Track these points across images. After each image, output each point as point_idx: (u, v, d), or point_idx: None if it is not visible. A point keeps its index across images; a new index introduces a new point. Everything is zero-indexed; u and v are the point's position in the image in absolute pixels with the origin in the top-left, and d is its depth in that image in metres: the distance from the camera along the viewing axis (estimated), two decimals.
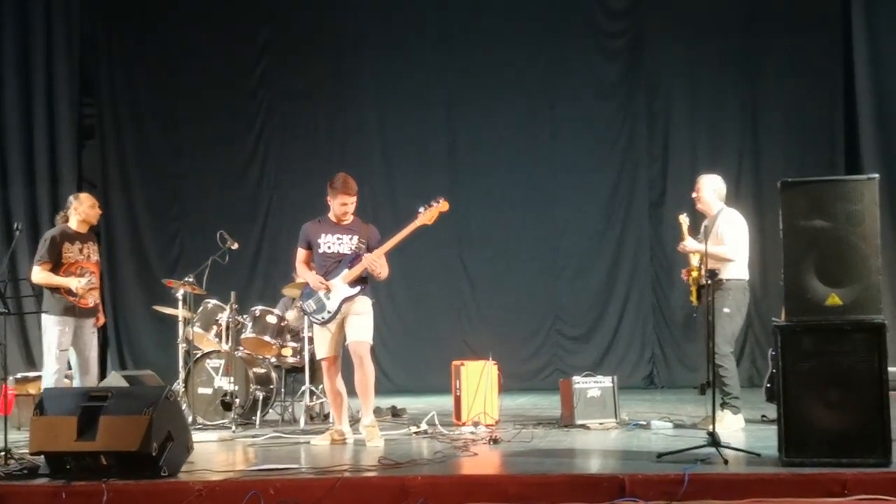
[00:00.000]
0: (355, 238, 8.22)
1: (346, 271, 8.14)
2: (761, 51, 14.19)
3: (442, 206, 8.32)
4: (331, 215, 8.33)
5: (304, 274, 8.40)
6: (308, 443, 8.27)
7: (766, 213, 13.35)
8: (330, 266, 8.20)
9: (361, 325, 8.16)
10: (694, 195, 8.76)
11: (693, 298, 8.71)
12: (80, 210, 8.97)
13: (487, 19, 14.71)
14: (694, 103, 14.40)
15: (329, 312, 8.15)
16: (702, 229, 8.54)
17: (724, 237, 8.40)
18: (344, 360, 8.35)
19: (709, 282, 7.49)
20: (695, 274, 8.57)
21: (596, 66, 14.64)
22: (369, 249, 8.21)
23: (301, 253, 8.44)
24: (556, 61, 14.62)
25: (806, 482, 5.82)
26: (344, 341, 8.23)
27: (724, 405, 8.24)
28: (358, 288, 8.18)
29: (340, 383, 8.34)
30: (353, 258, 8.17)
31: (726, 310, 8.27)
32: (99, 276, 9.17)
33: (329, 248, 8.24)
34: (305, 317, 9.04)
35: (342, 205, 8.20)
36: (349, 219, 8.30)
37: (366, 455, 7.40)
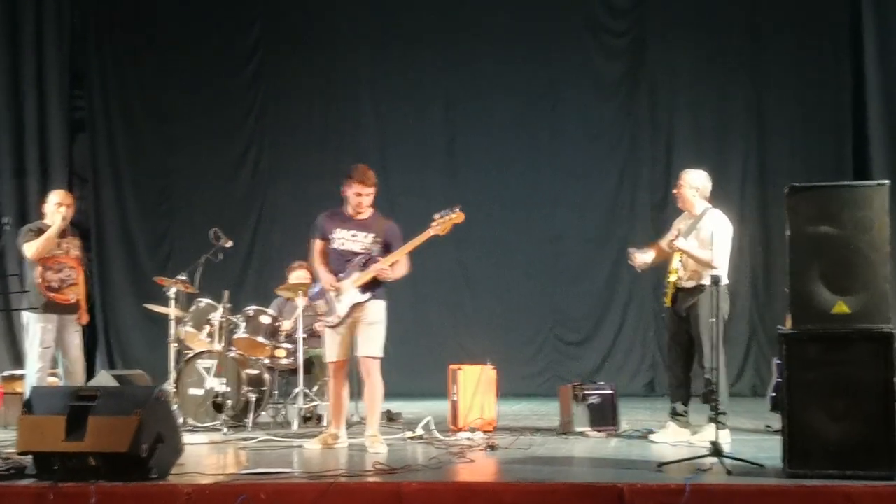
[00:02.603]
0: (370, 236, 8.00)
1: (356, 274, 7.92)
2: (767, 51, 14.13)
3: (457, 217, 8.02)
4: (347, 208, 8.13)
5: (318, 269, 8.15)
6: (301, 447, 8.13)
7: (772, 219, 13.34)
8: (342, 264, 8.00)
9: (371, 337, 7.94)
10: (674, 190, 8.55)
11: (667, 300, 8.40)
12: (46, 206, 9.05)
13: (488, 16, 14.63)
14: (698, 104, 14.33)
15: (338, 317, 7.96)
16: (674, 225, 8.39)
17: (709, 240, 8.17)
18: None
19: (713, 287, 7.27)
20: (673, 277, 8.29)
21: (598, 65, 14.56)
22: (387, 247, 7.98)
23: (317, 244, 8.16)
24: (558, 60, 14.55)
25: (810, 494, 5.74)
26: (354, 348, 8.05)
27: (711, 419, 8.07)
28: (368, 294, 7.94)
29: (346, 388, 8.18)
30: (367, 260, 7.95)
31: (711, 319, 8.06)
32: (81, 272, 9.12)
33: (342, 244, 8.02)
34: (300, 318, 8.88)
35: (357, 195, 7.98)
36: (366, 212, 8.10)
37: (360, 460, 7.29)
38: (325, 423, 9.47)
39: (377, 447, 7.78)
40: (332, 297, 7.97)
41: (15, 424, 7.13)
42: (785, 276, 6.42)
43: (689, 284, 8.23)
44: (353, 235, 8.02)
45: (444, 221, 7.99)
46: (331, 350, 8.11)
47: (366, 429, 8.09)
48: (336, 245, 8.03)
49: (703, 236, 8.21)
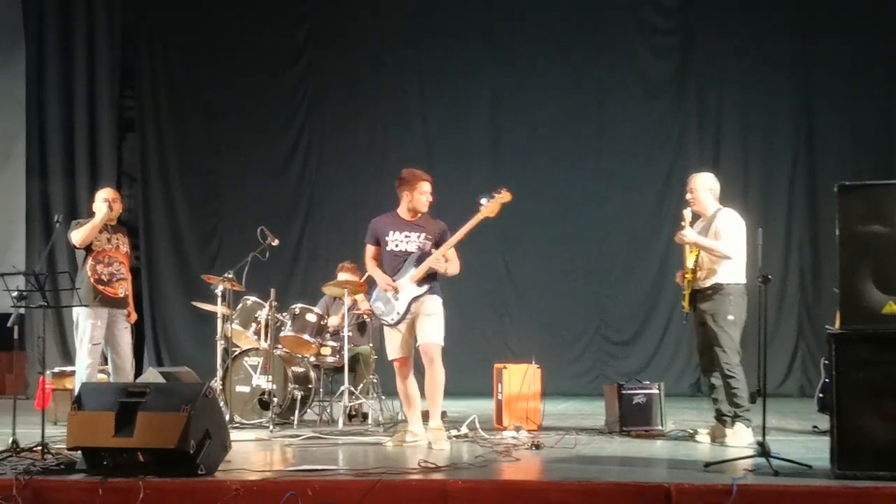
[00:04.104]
0: (423, 235, 8.10)
1: (413, 270, 8.01)
2: (817, 50, 14.01)
3: (504, 196, 8.14)
4: (401, 211, 8.21)
5: (373, 272, 8.24)
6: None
7: (821, 219, 13.23)
8: (398, 265, 8.08)
9: (432, 326, 8.02)
10: (688, 196, 8.34)
11: (685, 304, 8.30)
12: (94, 204, 9.09)
13: (534, 13, 14.58)
14: (746, 104, 14.20)
15: (398, 314, 8.02)
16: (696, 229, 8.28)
17: (722, 234, 8.03)
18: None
19: (761, 285, 7.15)
20: (689, 276, 8.17)
21: (645, 64, 14.48)
22: (438, 245, 8.06)
23: (370, 249, 8.27)
24: (605, 58, 14.48)
25: (859, 495, 5.69)
26: (415, 342, 8.11)
27: (736, 418, 8.00)
28: (426, 287, 8.03)
29: (413, 384, 8.23)
30: (420, 256, 8.04)
31: (730, 317, 7.97)
32: (128, 268, 9.19)
33: (397, 245, 8.12)
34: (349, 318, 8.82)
35: (423, 193, 8.10)
36: (419, 213, 8.17)
37: (406, 457, 7.31)
38: (369, 420, 9.52)
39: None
40: (390, 296, 8.04)
41: (65, 420, 7.19)
42: (834, 275, 6.34)
43: (706, 284, 8.09)
44: (407, 237, 8.12)
45: (493, 203, 8.06)
46: (392, 348, 8.17)
47: (430, 420, 8.09)
48: (391, 247, 8.13)
49: (717, 231, 8.07)
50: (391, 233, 8.13)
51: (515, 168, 14.45)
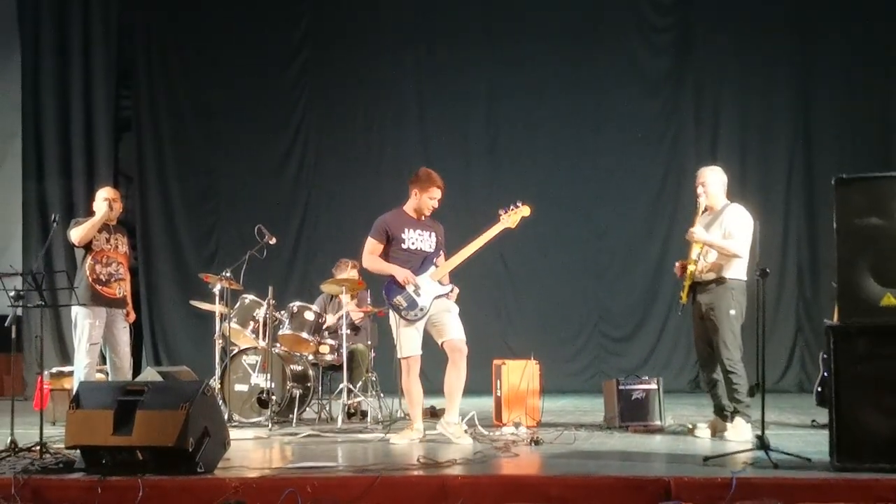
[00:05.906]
0: (434, 235, 8.22)
1: (433, 269, 8.11)
2: (815, 47, 14.04)
3: (523, 210, 8.32)
4: (408, 209, 8.24)
5: (385, 267, 8.14)
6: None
7: (819, 213, 13.23)
8: (415, 263, 8.10)
9: (458, 322, 8.18)
10: (700, 189, 8.23)
11: (683, 295, 8.20)
12: (95, 203, 9.07)
13: (531, 12, 14.61)
14: (743, 100, 14.24)
15: (422, 310, 8.05)
16: (698, 222, 8.20)
17: (733, 233, 7.96)
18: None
19: (759, 279, 7.11)
20: (691, 268, 8.08)
21: (642, 62, 14.53)
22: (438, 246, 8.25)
23: (376, 246, 8.17)
24: (601, 56, 14.53)
25: (858, 488, 5.66)
26: (440, 334, 8.17)
27: (736, 413, 7.97)
28: (450, 287, 8.18)
29: (419, 382, 8.24)
30: (438, 255, 8.18)
31: (732, 311, 7.91)
32: (128, 268, 9.18)
33: (413, 244, 8.14)
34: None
35: (432, 198, 8.15)
36: (428, 214, 8.25)
37: (406, 454, 7.28)
38: (368, 418, 9.50)
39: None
40: (411, 292, 8.04)
41: (63, 421, 7.17)
42: (831, 270, 6.33)
43: (709, 277, 8.02)
44: (420, 235, 8.19)
45: (512, 214, 8.27)
46: (412, 344, 8.14)
47: (447, 415, 8.15)
48: (408, 245, 8.14)
49: (727, 229, 8.02)
50: (407, 230, 8.15)
51: (513, 166, 14.50)
